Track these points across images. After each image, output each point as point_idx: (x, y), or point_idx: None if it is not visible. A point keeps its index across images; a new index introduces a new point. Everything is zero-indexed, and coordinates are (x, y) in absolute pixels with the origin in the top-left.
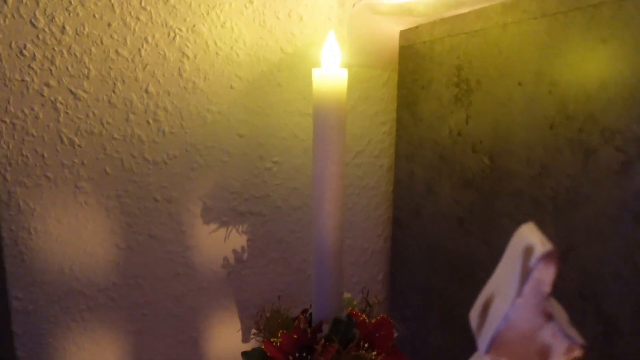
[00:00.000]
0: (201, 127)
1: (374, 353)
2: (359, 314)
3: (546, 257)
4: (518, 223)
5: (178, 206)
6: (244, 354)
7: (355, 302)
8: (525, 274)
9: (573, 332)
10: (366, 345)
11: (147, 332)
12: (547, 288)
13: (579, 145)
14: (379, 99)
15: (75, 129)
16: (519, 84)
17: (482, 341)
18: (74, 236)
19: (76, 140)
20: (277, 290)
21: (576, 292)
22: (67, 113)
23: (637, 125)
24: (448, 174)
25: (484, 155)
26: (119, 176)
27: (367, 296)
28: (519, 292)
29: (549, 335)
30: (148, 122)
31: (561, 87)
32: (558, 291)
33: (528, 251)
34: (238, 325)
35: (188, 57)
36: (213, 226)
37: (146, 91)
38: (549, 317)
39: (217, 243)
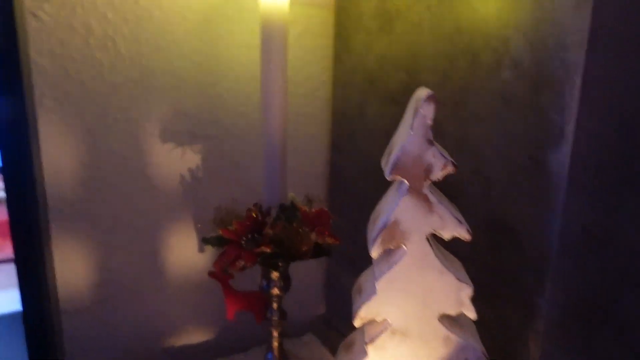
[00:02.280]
0: (157, 53)
1: (315, 234)
2: (302, 206)
3: (428, 98)
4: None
5: (137, 126)
6: (204, 239)
7: (298, 199)
8: (415, 113)
9: (447, 154)
10: (307, 229)
11: (112, 244)
12: (429, 121)
13: (469, 51)
14: (318, 35)
15: (37, 49)
16: (428, 8)
17: (386, 169)
18: (40, 150)
19: (38, 60)
20: None
21: (467, 168)
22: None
23: (505, 29)
24: (376, 94)
25: (403, 72)
26: (81, 96)
27: (308, 194)
28: (411, 127)
29: (431, 156)
30: (106, 46)
31: (457, 8)
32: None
33: (417, 100)
34: (195, 237)
35: None
36: (170, 145)
37: (105, 17)
38: (431, 143)
39: (174, 162)
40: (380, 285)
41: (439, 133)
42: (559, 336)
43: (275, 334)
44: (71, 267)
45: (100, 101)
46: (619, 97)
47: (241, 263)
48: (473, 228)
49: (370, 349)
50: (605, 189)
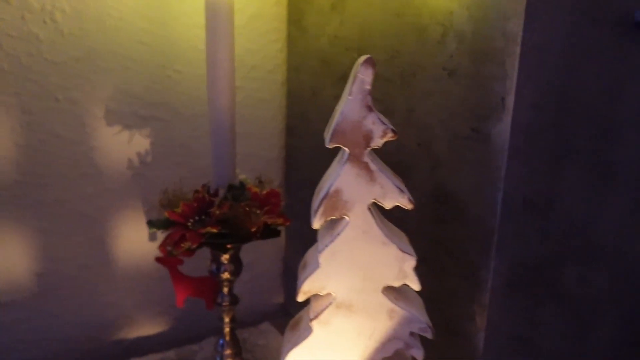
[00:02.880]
0: (101, 31)
1: (264, 214)
2: (253, 187)
3: (366, 62)
4: (381, 102)
5: (80, 107)
6: (149, 222)
7: (249, 181)
8: (354, 78)
9: (387, 121)
10: (256, 209)
11: (55, 231)
12: (368, 85)
13: (416, 27)
14: (271, 18)
15: None
16: None
17: (327, 137)
18: None
19: None
20: None
21: (415, 143)
22: None
23: (450, 2)
24: (328, 74)
25: (354, 51)
26: (17, 74)
27: (259, 176)
28: (350, 92)
29: (370, 122)
30: (45, 22)
31: None
32: (400, 143)
33: (356, 65)
34: (144, 225)
35: None
36: (117, 128)
37: None
38: (370, 109)
39: (121, 145)
40: (323, 257)
41: (388, 109)
42: (503, 308)
43: (226, 319)
44: (6, 256)
45: (39, 80)
46: (556, 66)
47: (186, 244)
48: (419, 201)
49: (315, 325)
50: (545, 159)
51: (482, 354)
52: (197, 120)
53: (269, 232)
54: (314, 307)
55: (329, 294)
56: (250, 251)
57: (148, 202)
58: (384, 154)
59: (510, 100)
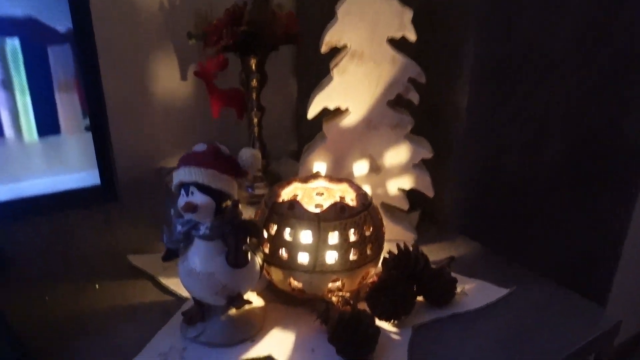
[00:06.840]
0: None
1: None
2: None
3: None
4: None
5: None
6: (189, 33)
7: None
8: None
9: None
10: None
11: (101, 67)
12: None
13: None
14: None
15: None
16: None
17: None
18: None
19: None
20: None
21: None
22: None
23: None
24: None
25: None
26: None
27: (278, 3)
28: None
29: None
30: None
31: None
32: None
33: None
34: (176, 66)
35: None
36: None
37: None
38: None
39: None
40: (340, 12)
41: None
42: (480, 84)
43: (255, 120)
44: None
45: None
46: None
47: (224, 41)
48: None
49: (335, 72)
50: None
51: (466, 120)
52: None
53: (289, 38)
54: (335, 59)
55: (345, 46)
56: (268, 98)
57: (178, 46)
58: None
59: None
